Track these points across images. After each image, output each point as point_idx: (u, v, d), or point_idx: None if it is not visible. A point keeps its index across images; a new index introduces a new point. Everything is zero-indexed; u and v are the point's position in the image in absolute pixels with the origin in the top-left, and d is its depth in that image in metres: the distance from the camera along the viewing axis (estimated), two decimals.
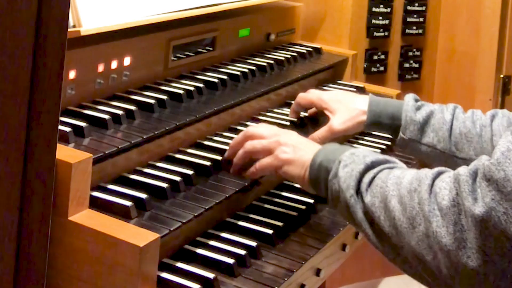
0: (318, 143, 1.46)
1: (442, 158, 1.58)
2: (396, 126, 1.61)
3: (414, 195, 1.10)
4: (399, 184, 1.14)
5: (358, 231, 1.23)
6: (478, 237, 0.99)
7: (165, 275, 1.20)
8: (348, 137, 1.88)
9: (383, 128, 1.65)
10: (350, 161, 1.25)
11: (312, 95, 1.73)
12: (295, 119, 1.75)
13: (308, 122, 1.76)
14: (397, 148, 1.72)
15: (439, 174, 1.11)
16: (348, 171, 1.23)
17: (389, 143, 1.88)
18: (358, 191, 1.21)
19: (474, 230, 1.00)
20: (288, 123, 1.73)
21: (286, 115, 1.78)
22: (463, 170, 1.05)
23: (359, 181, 1.21)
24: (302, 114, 1.78)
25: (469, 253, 1.00)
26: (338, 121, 1.64)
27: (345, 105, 1.66)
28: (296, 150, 1.37)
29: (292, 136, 1.43)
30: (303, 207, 1.51)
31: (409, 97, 1.63)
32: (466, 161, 1.53)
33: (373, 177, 1.20)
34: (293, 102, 1.87)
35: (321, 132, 1.64)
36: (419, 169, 1.19)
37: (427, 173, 1.12)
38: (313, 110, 1.77)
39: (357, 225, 1.22)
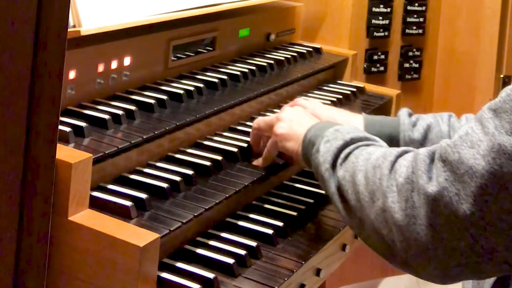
0: None
1: None
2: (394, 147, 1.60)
3: (377, 170, 1.13)
4: (367, 160, 1.17)
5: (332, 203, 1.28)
6: (429, 214, 1.02)
7: (165, 275, 1.20)
8: None
9: None
10: (333, 137, 1.29)
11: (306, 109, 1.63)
12: None
13: None
14: None
15: (404, 152, 1.15)
16: (327, 146, 1.27)
17: None
18: (333, 166, 1.25)
19: (426, 208, 1.02)
20: None
21: None
22: (423, 150, 1.09)
23: (336, 157, 1.25)
24: None
25: (418, 229, 1.03)
26: None
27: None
28: (292, 125, 1.43)
29: (293, 111, 1.48)
30: (303, 207, 1.51)
31: (404, 114, 1.59)
32: None
33: (349, 153, 1.24)
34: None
35: None
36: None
37: (392, 151, 1.15)
38: None
39: (330, 198, 1.26)
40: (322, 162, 1.27)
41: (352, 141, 1.26)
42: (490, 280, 1.19)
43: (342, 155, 1.24)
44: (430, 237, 1.02)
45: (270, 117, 1.51)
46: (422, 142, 1.56)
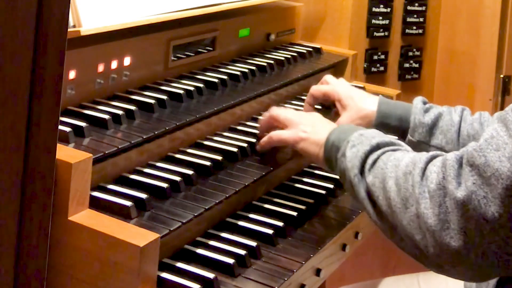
0: None
1: None
2: (404, 128, 1.63)
3: (408, 177, 1.15)
4: (397, 166, 1.20)
5: (361, 208, 1.31)
6: (459, 219, 1.05)
7: (165, 275, 1.20)
8: None
9: (391, 129, 1.66)
10: (358, 142, 1.32)
11: (326, 88, 1.74)
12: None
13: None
14: None
15: (432, 158, 1.17)
16: (354, 152, 1.30)
17: None
18: (362, 171, 1.28)
19: (456, 213, 1.05)
20: None
21: None
22: (451, 155, 1.11)
23: (364, 162, 1.28)
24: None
25: (452, 234, 1.06)
26: (346, 119, 1.67)
27: (356, 104, 1.69)
28: (314, 129, 1.47)
29: (313, 116, 1.53)
30: (303, 207, 1.51)
31: (418, 100, 1.65)
32: None
33: (377, 159, 1.26)
34: (293, 102, 1.88)
35: None
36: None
37: (421, 157, 1.18)
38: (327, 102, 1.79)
39: (360, 203, 1.29)
40: (350, 167, 1.29)
41: (378, 146, 1.29)
42: (493, 281, 1.20)
43: (370, 161, 1.26)
44: (462, 241, 1.05)
45: (291, 113, 1.54)
46: (431, 127, 1.60)
